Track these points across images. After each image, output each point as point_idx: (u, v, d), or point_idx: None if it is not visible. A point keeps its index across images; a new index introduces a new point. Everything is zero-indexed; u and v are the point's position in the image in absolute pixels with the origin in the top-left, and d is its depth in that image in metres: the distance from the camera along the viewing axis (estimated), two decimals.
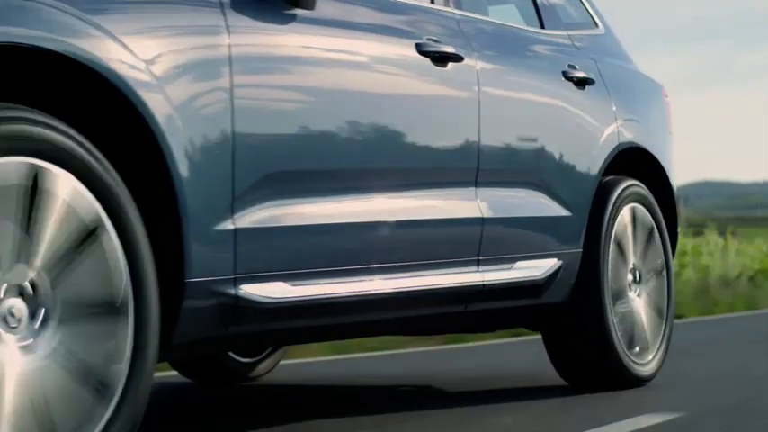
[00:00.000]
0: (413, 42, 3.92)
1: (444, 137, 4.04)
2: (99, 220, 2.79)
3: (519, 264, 4.35)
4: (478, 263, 4.15)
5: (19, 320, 2.66)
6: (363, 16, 3.80)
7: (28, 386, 2.62)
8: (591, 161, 4.77)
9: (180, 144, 3.02)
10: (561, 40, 4.96)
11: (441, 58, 4.00)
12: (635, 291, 4.99)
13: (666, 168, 5.30)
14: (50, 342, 2.69)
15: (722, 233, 17.49)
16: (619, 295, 4.86)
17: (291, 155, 3.39)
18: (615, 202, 4.85)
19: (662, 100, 5.53)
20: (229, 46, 3.21)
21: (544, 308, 4.61)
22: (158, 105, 2.96)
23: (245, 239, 3.21)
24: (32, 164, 2.67)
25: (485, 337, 7.68)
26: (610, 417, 4.09)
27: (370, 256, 3.68)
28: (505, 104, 4.35)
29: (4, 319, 2.64)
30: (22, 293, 2.67)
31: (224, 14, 3.23)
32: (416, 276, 3.85)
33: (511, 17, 5.12)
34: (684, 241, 14.73)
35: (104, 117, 2.99)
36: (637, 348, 4.92)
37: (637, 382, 4.90)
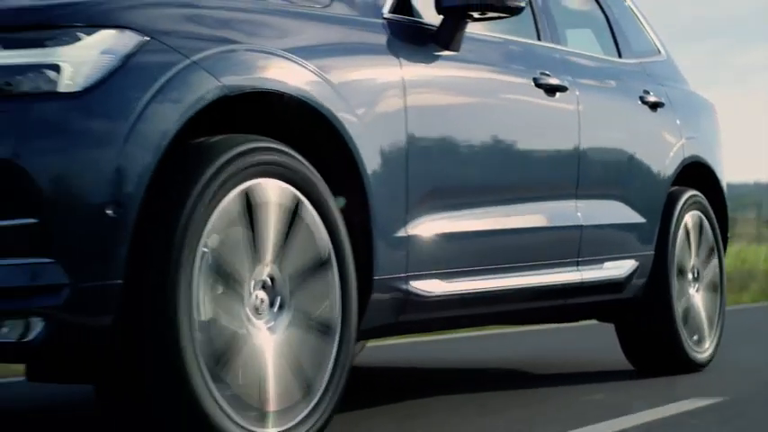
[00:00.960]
0: (531, 76, 4.64)
1: (556, 157, 4.77)
2: (330, 252, 3.52)
3: (607, 264, 5.09)
4: (578, 263, 4.88)
5: (264, 310, 3.38)
6: (493, 55, 4.54)
7: (280, 354, 3.35)
8: (662, 174, 5.52)
9: (370, 165, 3.74)
10: (636, 69, 5.70)
11: (551, 90, 4.73)
12: (694, 287, 5.73)
13: (720, 179, 6.05)
14: (287, 317, 3.40)
15: None
16: (681, 291, 5.60)
17: (450, 173, 4.13)
18: (681, 210, 5.59)
19: (714, 117, 6.28)
20: (402, 78, 3.94)
21: (621, 302, 5.35)
22: (357, 133, 3.68)
23: (414, 244, 3.93)
24: (288, 190, 3.40)
25: (508, 326, 8.33)
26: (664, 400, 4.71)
27: (503, 257, 4.42)
28: (599, 128, 5.07)
29: (256, 309, 3.34)
30: (264, 287, 3.39)
31: (397, 56, 3.95)
32: (535, 275, 4.60)
33: (586, 41, 5.84)
34: None
35: (314, 145, 3.69)
36: (696, 337, 5.66)
37: (696, 367, 5.64)
